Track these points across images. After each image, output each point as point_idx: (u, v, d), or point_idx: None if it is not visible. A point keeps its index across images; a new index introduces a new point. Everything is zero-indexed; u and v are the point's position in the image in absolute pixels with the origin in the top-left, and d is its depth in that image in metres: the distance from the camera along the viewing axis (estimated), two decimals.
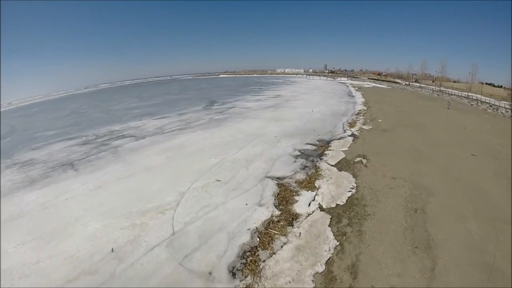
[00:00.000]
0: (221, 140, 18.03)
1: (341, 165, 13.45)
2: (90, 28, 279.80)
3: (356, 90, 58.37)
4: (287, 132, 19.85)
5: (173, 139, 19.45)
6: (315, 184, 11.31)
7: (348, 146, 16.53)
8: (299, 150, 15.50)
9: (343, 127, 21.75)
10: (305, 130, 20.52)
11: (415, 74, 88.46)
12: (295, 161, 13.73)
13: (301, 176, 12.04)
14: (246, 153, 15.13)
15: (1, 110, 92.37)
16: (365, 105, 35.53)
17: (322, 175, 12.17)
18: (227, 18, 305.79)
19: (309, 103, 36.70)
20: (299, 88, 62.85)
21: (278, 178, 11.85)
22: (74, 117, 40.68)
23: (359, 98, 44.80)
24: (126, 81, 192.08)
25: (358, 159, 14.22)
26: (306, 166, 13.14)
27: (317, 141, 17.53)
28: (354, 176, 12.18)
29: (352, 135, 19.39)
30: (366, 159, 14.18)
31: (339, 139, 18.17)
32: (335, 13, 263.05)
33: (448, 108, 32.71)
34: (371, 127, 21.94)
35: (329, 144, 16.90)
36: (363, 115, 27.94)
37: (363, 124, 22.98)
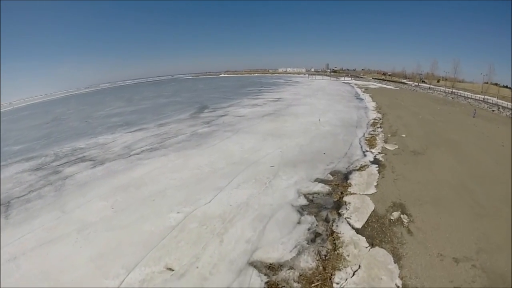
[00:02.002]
0: (195, 173, 13.13)
1: (372, 231, 8.52)
2: (94, 28, 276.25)
3: (363, 92, 53.28)
4: (288, 157, 14.92)
5: (135, 168, 14.64)
6: (334, 286, 6.40)
7: (375, 184, 11.59)
8: (305, 195, 10.58)
9: (361, 147, 16.79)
10: (313, 152, 15.58)
11: (420, 74, 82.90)
12: (299, 222, 8.82)
13: (309, 261, 7.14)
14: (226, 201, 10.23)
15: (1, 111, 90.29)
16: (378, 111, 30.51)
17: (345, 258, 7.26)
18: (228, 17, 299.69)
19: (314, 108, 31.72)
20: (302, 89, 57.78)
21: (270, 267, 6.96)
22: (51, 126, 36.54)
23: (369, 101, 39.77)
24: (127, 80, 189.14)
25: (395, 214, 9.31)
26: (317, 234, 8.23)
27: (331, 174, 12.58)
28: (397, 259, 7.29)
29: (376, 161, 14.44)
30: (407, 215, 9.27)
31: (360, 169, 13.22)
32: (336, 11, 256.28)
33: (474, 117, 27.70)
34: (396, 146, 16.96)
35: (348, 181, 11.95)
36: (380, 126, 22.96)
37: (385, 142, 17.99)
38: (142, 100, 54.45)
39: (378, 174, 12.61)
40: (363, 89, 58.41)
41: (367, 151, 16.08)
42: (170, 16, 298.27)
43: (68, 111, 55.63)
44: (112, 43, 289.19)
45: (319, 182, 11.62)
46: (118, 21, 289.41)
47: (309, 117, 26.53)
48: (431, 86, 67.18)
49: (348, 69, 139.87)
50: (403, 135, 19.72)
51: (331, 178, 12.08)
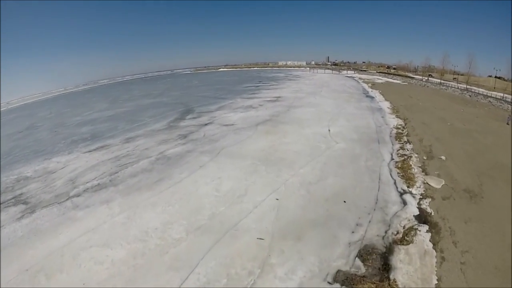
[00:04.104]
0: (134, 251, 7.99)
1: None
2: (95, 23, 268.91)
3: (371, 87, 47.89)
4: (289, 212, 9.75)
5: (61, 229, 9.71)
6: None
7: (436, 280, 6.55)
8: None
9: (395, 183, 11.66)
10: (327, 200, 10.44)
11: (425, 67, 77.20)
12: None
13: None
14: None
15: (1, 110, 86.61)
16: (397, 115, 25.21)
17: None
18: (228, 11, 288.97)
19: (320, 112, 26.41)
20: (304, 85, 52.19)
21: None
22: (20, 137, 31.54)
23: (381, 100, 34.39)
24: (127, 76, 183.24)
25: None
26: None
27: (360, 257, 7.43)
28: None
29: (422, 215, 9.38)
30: None
31: (403, 240, 8.10)
32: (336, 4, 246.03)
33: (508, 124, 22.81)
34: (442, 182, 11.85)
35: (391, 274, 6.85)
36: (408, 140, 17.74)
37: (424, 172, 12.85)
38: (126, 101, 49.17)
39: (434, 252, 7.55)
40: (369, 84, 52.82)
41: (404, 192, 10.94)
42: (171, 11, 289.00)
43: (49, 115, 50.71)
44: (113, 38, 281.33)
45: (341, 284, 6.51)
46: (118, 16, 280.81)
47: (316, 125, 21.34)
48: (442, 81, 61.25)
49: (349, 62, 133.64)
50: (443, 157, 14.62)
51: (362, 269, 6.94)
